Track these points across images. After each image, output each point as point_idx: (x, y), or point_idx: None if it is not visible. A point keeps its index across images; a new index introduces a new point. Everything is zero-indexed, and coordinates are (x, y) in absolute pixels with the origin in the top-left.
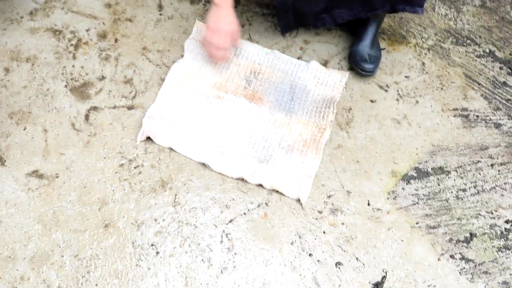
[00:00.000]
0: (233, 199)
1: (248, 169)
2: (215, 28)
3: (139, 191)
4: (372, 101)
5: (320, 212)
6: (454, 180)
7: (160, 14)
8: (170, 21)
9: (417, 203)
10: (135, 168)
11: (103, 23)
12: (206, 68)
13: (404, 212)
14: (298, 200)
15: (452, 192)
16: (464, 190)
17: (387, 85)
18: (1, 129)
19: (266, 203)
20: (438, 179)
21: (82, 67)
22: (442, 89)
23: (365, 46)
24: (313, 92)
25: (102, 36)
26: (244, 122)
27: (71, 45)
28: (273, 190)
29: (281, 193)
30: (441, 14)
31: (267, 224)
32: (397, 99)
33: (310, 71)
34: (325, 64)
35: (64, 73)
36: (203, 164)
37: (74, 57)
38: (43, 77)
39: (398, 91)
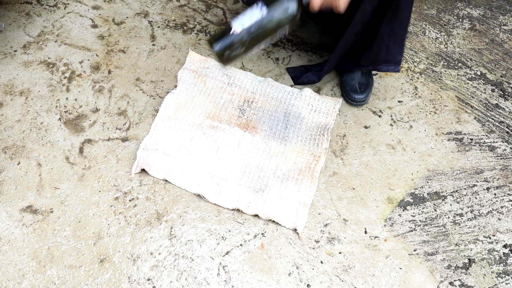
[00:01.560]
0: (229, 230)
1: (244, 199)
2: None
3: (134, 224)
4: (366, 127)
5: (317, 242)
6: (451, 205)
7: (153, 45)
8: (163, 51)
9: (414, 229)
10: (130, 201)
11: (96, 55)
12: (200, 98)
13: (401, 239)
14: (295, 230)
15: (449, 217)
16: (461, 215)
17: (380, 111)
18: None
19: (262, 234)
20: (434, 204)
21: (75, 100)
22: (435, 113)
23: (355, 75)
24: (307, 119)
25: (96, 68)
26: (238, 152)
27: (65, 77)
28: (269, 220)
29: (277, 224)
30: (432, 37)
31: (264, 255)
32: (391, 124)
33: (304, 98)
34: (318, 91)
35: (57, 106)
36: (198, 196)
37: (67, 90)
38: (37, 111)
39: (391, 116)
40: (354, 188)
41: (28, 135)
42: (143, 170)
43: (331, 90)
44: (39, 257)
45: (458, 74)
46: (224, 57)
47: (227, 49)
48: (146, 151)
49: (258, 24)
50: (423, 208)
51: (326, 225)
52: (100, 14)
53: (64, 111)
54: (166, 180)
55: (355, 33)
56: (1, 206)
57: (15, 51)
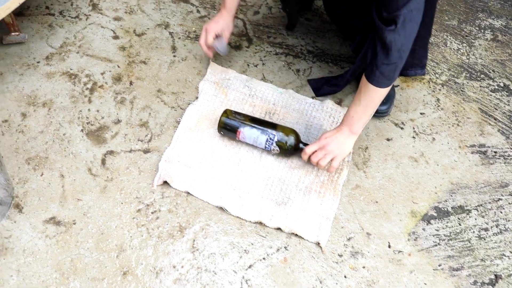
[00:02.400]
0: (252, 244)
1: (266, 212)
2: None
3: (157, 236)
4: (388, 140)
5: (341, 256)
6: (475, 219)
7: (174, 56)
8: (184, 62)
9: (439, 244)
10: (152, 213)
11: (118, 66)
12: (221, 109)
13: (425, 254)
14: (318, 244)
15: (474, 231)
16: (486, 229)
17: (402, 123)
18: (19, 175)
19: (285, 247)
20: (459, 218)
21: (97, 111)
22: (458, 125)
23: None
24: None
25: (117, 79)
26: (260, 164)
27: (87, 88)
28: (292, 233)
29: (299, 237)
30: (453, 49)
31: (287, 269)
32: (413, 137)
33: (325, 110)
34: (339, 102)
35: (80, 117)
36: (221, 208)
37: (89, 101)
38: (60, 122)
39: (414, 128)
40: (377, 202)
41: (51, 146)
42: (165, 182)
43: None
44: (62, 269)
45: (480, 86)
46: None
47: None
48: (168, 163)
49: (256, 144)
50: (447, 222)
51: (349, 239)
52: (121, 26)
53: (86, 122)
54: (188, 193)
55: None
56: (25, 218)
57: (38, 62)
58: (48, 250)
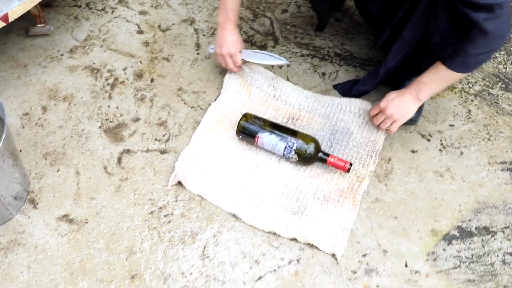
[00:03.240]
0: (264, 254)
1: (281, 222)
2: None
3: (167, 241)
4: (413, 152)
5: (354, 272)
6: (501, 242)
7: (197, 54)
8: (207, 61)
9: (459, 266)
10: (165, 216)
11: (140, 62)
12: (243, 111)
13: (444, 276)
14: (333, 255)
15: (498, 255)
16: (511, 254)
17: (429, 134)
18: (36, 170)
19: (297, 260)
20: (482, 240)
21: (117, 108)
22: (489, 139)
23: None
24: (355, 135)
25: (139, 75)
26: (278, 171)
27: (108, 84)
28: (306, 244)
29: (313, 250)
30: None
31: (298, 283)
32: (440, 150)
33: (353, 111)
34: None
35: (99, 113)
36: (234, 215)
37: (110, 97)
38: (79, 117)
39: (441, 141)
40: (396, 217)
41: (69, 142)
42: (179, 183)
43: None
44: (72, 268)
45: None
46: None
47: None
48: (185, 163)
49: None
50: (470, 243)
51: (364, 255)
52: (146, 20)
53: (105, 119)
54: (202, 197)
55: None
56: (38, 214)
57: (62, 55)
58: (59, 248)
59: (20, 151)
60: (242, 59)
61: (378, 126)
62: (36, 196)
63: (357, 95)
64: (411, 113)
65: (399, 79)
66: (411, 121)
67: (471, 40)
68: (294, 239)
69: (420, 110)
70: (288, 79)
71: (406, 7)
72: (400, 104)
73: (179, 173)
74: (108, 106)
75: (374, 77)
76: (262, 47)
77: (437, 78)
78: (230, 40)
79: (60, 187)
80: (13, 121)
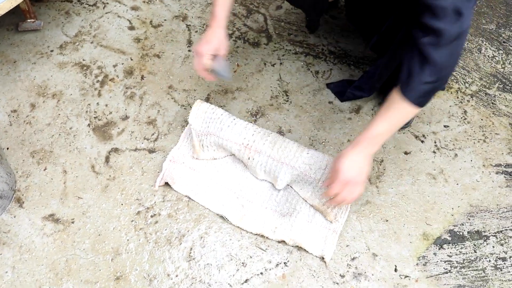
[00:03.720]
0: (251, 257)
1: (270, 224)
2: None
3: (154, 242)
4: (406, 153)
5: (342, 276)
6: (493, 247)
7: (189, 51)
8: None
9: (450, 271)
10: (151, 217)
11: (131, 59)
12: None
13: (434, 281)
14: (322, 258)
15: (490, 260)
16: (503, 259)
17: (423, 135)
18: (23, 168)
19: (285, 263)
20: (474, 245)
21: (106, 105)
22: (484, 141)
23: None
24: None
25: (129, 72)
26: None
27: (97, 81)
28: (295, 247)
29: (301, 253)
30: (488, 56)
31: (284, 286)
32: (434, 152)
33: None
34: (358, 109)
35: (88, 111)
36: (222, 216)
37: (99, 94)
38: (67, 115)
39: (435, 142)
40: (387, 220)
41: (57, 140)
42: (167, 184)
43: (372, 109)
44: (56, 268)
45: None
46: None
47: None
48: (173, 163)
49: None
50: (461, 248)
51: (353, 259)
52: (138, 16)
53: (94, 117)
54: (190, 197)
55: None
56: (24, 213)
57: (52, 51)
58: (45, 248)
59: (7, 148)
60: (214, 67)
61: (347, 202)
62: (23, 195)
63: (354, 97)
64: (368, 169)
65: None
66: (404, 126)
67: (419, 68)
68: (283, 241)
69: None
70: (280, 77)
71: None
72: (359, 164)
73: (167, 174)
74: (97, 103)
75: (367, 81)
76: (255, 44)
77: (388, 124)
78: (205, 39)
79: (47, 186)
80: (1, 118)
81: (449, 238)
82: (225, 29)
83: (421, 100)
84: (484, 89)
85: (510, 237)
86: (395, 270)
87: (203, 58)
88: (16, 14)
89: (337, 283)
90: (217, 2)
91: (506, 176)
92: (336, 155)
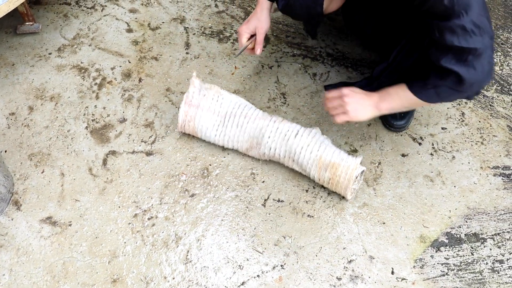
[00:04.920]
0: (247, 259)
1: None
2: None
3: (151, 244)
4: (403, 155)
5: (339, 279)
6: (490, 249)
7: (187, 53)
8: (196, 60)
9: (447, 274)
10: (149, 219)
11: (129, 61)
12: None
13: (431, 284)
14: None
15: (487, 263)
16: (501, 261)
17: (421, 138)
18: (21, 171)
19: (281, 266)
20: (472, 247)
21: (104, 108)
22: (482, 143)
23: None
24: None
25: (127, 75)
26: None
27: (95, 84)
28: (291, 250)
29: (298, 256)
30: None
31: None
32: (432, 154)
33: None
34: None
35: (86, 114)
36: (219, 219)
37: (97, 97)
38: (65, 117)
39: (433, 144)
40: (384, 223)
41: (55, 142)
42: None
43: None
44: (54, 271)
45: None
46: None
47: None
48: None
49: None
50: (458, 250)
51: (350, 262)
52: (136, 18)
53: (92, 120)
54: (187, 200)
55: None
56: (22, 216)
57: (50, 53)
58: (42, 251)
59: (5, 151)
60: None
61: (328, 109)
62: (20, 197)
63: None
64: (365, 115)
65: None
66: (400, 129)
67: (444, 78)
68: (277, 245)
69: (410, 115)
70: (277, 80)
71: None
72: (360, 101)
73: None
74: (95, 106)
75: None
76: None
77: (401, 95)
78: (247, 20)
79: (44, 189)
80: None
81: (446, 241)
82: (268, 10)
83: (434, 100)
84: (482, 91)
85: (508, 239)
86: (392, 272)
87: (242, 37)
88: (14, 17)
89: (334, 286)
90: None
91: (503, 178)
92: None
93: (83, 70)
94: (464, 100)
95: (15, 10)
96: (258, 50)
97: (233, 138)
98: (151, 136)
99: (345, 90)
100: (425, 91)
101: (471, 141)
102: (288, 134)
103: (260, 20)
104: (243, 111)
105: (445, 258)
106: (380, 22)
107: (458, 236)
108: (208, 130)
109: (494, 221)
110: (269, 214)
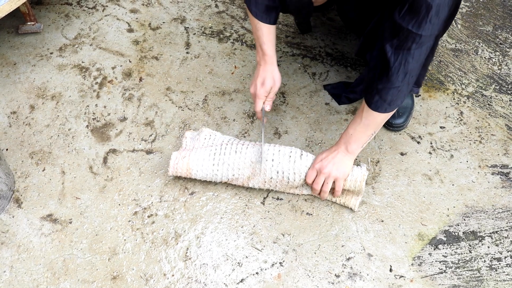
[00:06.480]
0: (246, 257)
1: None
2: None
3: (150, 242)
4: (402, 154)
5: (338, 276)
6: (488, 247)
7: (187, 53)
8: (196, 60)
9: (445, 271)
10: (148, 217)
11: (129, 61)
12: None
13: (429, 281)
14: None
15: (485, 261)
16: (499, 259)
17: (419, 136)
18: (22, 169)
19: (280, 263)
20: (470, 245)
21: (104, 107)
22: (480, 142)
23: None
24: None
25: (127, 74)
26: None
27: (96, 83)
28: (290, 247)
29: (297, 253)
30: (485, 57)
31: (280, 286)
32: (430, 152)
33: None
34: (354, 111)
35: (86, 113)
36: (218, 217)
37: (98, 96)
38: (66, 116)
39: (431, 143)
40: (382, 221)
41: (56, 141)
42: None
43: None
44: (54, 268)
45: (510, 100)
46: None
47: None
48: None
49: None
50: (456, 248)
51: (348, 259)
52: (137, 18)
53: (92, 118)
54: (187, 197)
55: None
56: (23, 213)
57: (51, 53)
58: (42, 248)
59: (7, 149)
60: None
61: (320, 193)
62: (21, 195)
63: (349, 102)
64: (348, 167)
65: None
66: (399, 127)
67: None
68: (276, 243)
69: (408, 113)
70: None
71: (376, 19)
72: (335, 160)
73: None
74: (96, 105)
75: (361, 84)
76: (253, 46)
77: (360, 125)
78: (260, 80)
79: (45, 187)
80: (0, 119)
81: (445, 239)
82: (276, 64)
83: (382, 107)
84: (480, 90)
85: (505, 237)
86: (390, 270)
87: (259, 101)
88: (16, 17)
89: (332, 283)
90: (263, 39)
91: (501, 177)
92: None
93: (84, 70)
94: (463, 99)
95: (17, 10)
96: (268, 107)
97: (233, 165)
98: (151, 135)
99: (317, 165)
100: (372, 99)
101: (470, 140)
102: (293, 155)
103: (275, 79)
104: (239, 141)
105: (443, 256)
106: (365, 7)
107: (456, 234)
108: (205, 161)
109: (492, 219)
110: (268, 212)
